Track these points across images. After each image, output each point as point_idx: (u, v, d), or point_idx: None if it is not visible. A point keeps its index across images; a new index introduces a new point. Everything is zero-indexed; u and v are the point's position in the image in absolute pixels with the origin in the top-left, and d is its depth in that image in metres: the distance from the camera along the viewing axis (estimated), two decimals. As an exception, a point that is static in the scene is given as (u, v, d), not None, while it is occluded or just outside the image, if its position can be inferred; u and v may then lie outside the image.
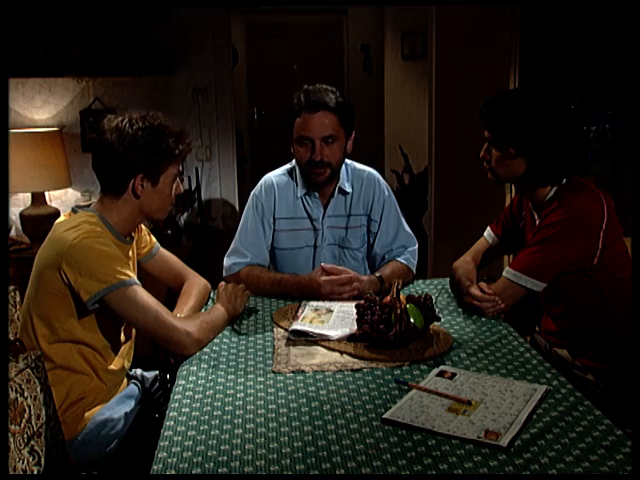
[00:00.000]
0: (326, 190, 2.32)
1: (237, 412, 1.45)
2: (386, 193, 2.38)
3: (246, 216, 2.34)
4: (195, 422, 1.41)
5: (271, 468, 1.24)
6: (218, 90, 3.85)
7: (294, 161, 2.36)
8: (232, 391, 1.55)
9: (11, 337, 1.81)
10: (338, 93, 2.20)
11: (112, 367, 1.86)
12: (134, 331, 1.97)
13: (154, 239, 2.12)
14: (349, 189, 2.33)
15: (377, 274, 2.24)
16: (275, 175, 2.37)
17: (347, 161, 2.36)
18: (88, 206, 1.88)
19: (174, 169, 1.86)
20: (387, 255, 2.36)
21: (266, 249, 2.34)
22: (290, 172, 2.36)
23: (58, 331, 1.77)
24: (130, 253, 1.94)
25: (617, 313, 1.92)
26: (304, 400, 1.50)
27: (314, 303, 2.03)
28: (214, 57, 3.81)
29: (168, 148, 1.80)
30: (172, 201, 1.91)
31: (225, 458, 1.27)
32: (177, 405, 1.49)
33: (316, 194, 2.32)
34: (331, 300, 2.06)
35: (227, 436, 1.35)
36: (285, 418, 1.42)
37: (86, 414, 1.78)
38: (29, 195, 3.55)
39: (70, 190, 3.73)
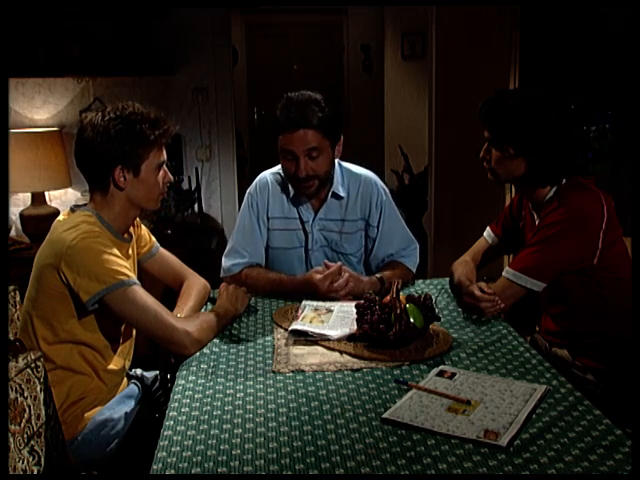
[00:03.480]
0: (318, 195, 2.26)
1: (237, 412, 1.45)
2: (384, 197, 2.31)
3: (242, 215, 2.32)
4: (195, 422, 1.41)
5: (270, 468, 1.24)
6: (218, 90, 3.85)
7: None
8: (232, 391, 1.55)
9: (11, 337, 1.81)
10: (323, 103, 2.09)
11: (112, 367, 1.86)
12: (134, 331, 1.96)
13: (154, 239, 2.12)
14: (343, 193, 2.27)
15: (378, 275, 2.21)
16: (270, 173, 2.34)
17: (342, 164, 2.31)
18: (85, 204, 1.86)
19: (155, 157, 1.81)
20: (387, 258, 2.33)
21: (262, 247, 2.31)
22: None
23: (58, 332, 1.77)
24: (130, 251, 1.94)
25: (617, 313, 1.93)
26: (304, 400, 1.50)
27: (314, 303, 2.03)
28: (214, 57, 3.81)
29: (142, 135, 1.77)
30: (161, 190, 1.87)
31: (225, 458, 1.27)
32: (177, 405, 1.49)
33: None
34: (331, 300, 2.05)
35: (227, 436, 1.35)
36: (285, 418, 1.42)
37: (86, 414, 1.78)
38: (29, 195, 3.55)
39: (70, 190, 3.73)
